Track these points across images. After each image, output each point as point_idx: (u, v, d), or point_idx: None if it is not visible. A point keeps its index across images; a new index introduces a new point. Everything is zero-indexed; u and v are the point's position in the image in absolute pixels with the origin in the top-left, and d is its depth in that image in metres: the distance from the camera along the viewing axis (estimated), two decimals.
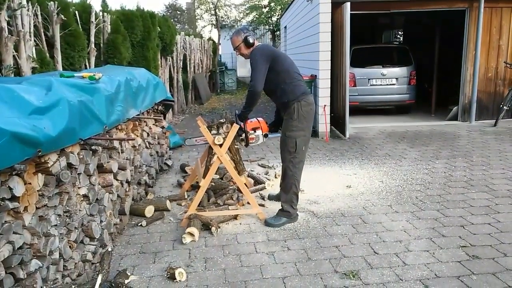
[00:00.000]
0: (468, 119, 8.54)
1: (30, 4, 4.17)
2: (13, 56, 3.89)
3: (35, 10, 4.34)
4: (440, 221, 3.68)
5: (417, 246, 3.21)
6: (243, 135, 3.90)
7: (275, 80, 3.65)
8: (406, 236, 3.40)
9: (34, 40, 4.30)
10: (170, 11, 25.41)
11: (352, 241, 3.34)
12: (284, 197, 3.75)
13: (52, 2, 4.61)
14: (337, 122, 7.79)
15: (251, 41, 3.65)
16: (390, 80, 9.25)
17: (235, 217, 3.86)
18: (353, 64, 8.79)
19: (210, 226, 3.56)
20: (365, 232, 3.50)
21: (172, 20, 18.09)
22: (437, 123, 8.57)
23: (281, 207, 3.77)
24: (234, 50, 3.83)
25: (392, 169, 5.33)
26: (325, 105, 7.29)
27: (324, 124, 7.32)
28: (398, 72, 9.27)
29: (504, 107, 8.08)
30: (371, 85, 9.23)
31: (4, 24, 3.80)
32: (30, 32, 4.14)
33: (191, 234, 3.40)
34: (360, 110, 9.36)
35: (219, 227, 3.62)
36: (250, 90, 3.57)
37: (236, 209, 3.99)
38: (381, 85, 9.25)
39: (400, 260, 3.00)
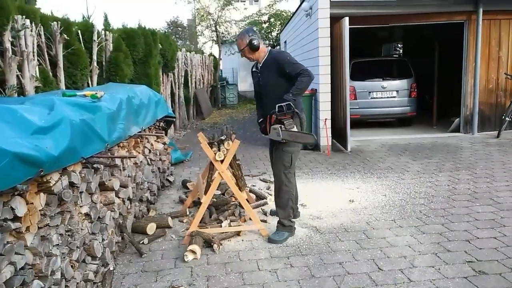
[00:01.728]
0: (470, 130, 8.53)
1: (33, 24, 4.23)
2: (17, 75, 3.93)
3: (38, 30, 4.40)
4: (445, 235, 3.65)
5: (422, 262, 3.17)
6: (293, 124, 3.46)
7: (286, 87, 3.50)
8: (411, 251, 3.37)
9: (38, 60, 4.35)
10: (171, 27, 25.70)
11: (356, 257, 3.31)
12: (282, 213, 3.73)
13: (55, 22, 4.67)
14: (338, 135, 7.79)
15: (255, 44, 3.53)
16: (390, 93, 9.28)
17: (237, 234, 3.84)
18: (353, 77, 8.83)
19: (212, 243, 3.53)
20: (369, 248, 3.47)
21: (173, 37, 18.27)
22: (439, 135, 8.56)
23: (280, 223, 3.74)
24: (239, 51, 3.72)
25: (395, 183, 5.31)
26: (326, 119, 7.31)
27: (325, 138, 7.32)
28: (398, 85, 9.30)
29: (507, 118, 8.07)
30: (371, 98, 9.26)
31: (8, 45, 3.85)
32: (33, 52, 4.19)
33: (193, 252, 3.37)
34: (361, 123, 9.36)
35: (221, 244, 3.59)
36: (307, 76, 3.39)
37: (238, 225, 3.97)
38: (381, 98, 9.27)
39: (405, 276, 2.97)
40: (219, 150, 3.76)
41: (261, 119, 3.94)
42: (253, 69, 3.85)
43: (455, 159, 6.42)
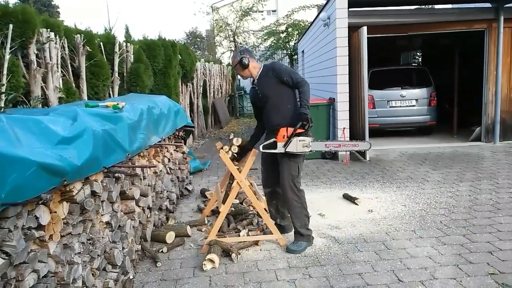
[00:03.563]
0: (492, 139, 8.36)
1: (57, 37, 4.36)
2: (41, 87, 4.05)
3: (62, 43, 4.53)
4: (467, 246, 3.57)
5: (443, 274, 3.11)
6: (306, 140, 3.53)
7: (289, 94, 3.70)
8: (432, 262, 3.31)
9: (61, 71, 4.47)
10: (190, 38, 26.07)
11: (375, 268, 3.27)
12: (298, 222, 3.70)
13: (78, 35, 4.81)
14: None
15: (245, 62, 3.70)
16: (409, 102, 9.19)
17: (255, 243, 3.84)
18: (372, 86, 8.78)
19: (230, 253, 3.54)
20: (389, 259, 3.42)
21: (192, 47, 18.53)
22: (460, 144, 8.41)
23: (298, 233, 3.72)
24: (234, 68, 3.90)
25: (414, 193, 5.23)
26: (344, 128, 7.27)
27: None
28: (417, 94, 9.21)
29: None
30: (390, 107, 9.18)
31: (33, 57, 3.98)
32: (57, 64, 4.32)
33: (212, 261, 3.39)
34: (380, 132, 9.28)
35: (239, 254, 3.60)
36: (307, 84, 3.58)
37: (256, 234, 3.97)
38: (400, 106, 9.19)
39: None
40: (230, 149, 3.90)
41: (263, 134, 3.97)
42: (252, 86, 3.89)
43: (476, 169, 6.29)
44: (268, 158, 3.85)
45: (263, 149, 3.66)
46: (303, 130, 3.47)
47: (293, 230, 3.79)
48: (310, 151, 3.59)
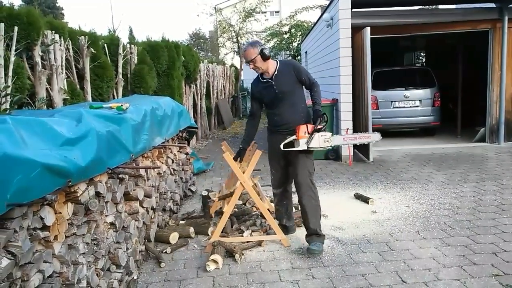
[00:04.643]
0: (496, 140, 8.32)
1: (62, 39, 4.39)
2: (46, 88, 4.08)
3: (66, 45, 4.56)
4: (471, 248, 3.56)
5: (447, 275, 3.11)
6: (327, 135, 3.55)
7: (302, 94, 3.69)
8: (435, 264, 3.30)
9: (66, 73, 4.50)
10: (193, 39, 26.14)
11: (378, 269, 3.26)
12: (315, 221, 3.61)
13: (82, 37, 4.84)
14: (360, 145, 7.72)
15: (267, 53, 3.57)
16: (413, 102, 9.17)
17: (259, 244, 3.84)
18: (375, 87, 8.77)
19: (233, 253, 3.55)
20: (392, 260, 3.42)
21: (195, 48, 18.55)
22: (464, 145, 8.38)
23: (315, 233, 3.59)
24: (247, 63, 3.67)
25: (418, 193, 5.22)
26: (347, 129, 7.26)
27: (347, 148, 7.27)
28: (421, 94, 9.19)
29: None
30: (394, 107, 9.16)
31: (38, 59, 4.01)
32: (62, 66, 4.35)
33: (215, 262, 3.40)
34: (384, 133, 9.24)
35: (243, 254, 3.61)
36: (319, 87, 3.66)
37: (260, 235, 3.98)
38: (404, 107, 9.17)
39: None
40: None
41: (278, 130, 3.74)
42: (263, 81, 3.70)
43: (481, 170, 6.27)
44: (279, 159, 3.79)
45: (284, 148, 3.55)
46: (322, 127, 3.51)
47: (308, 231, 3.64)
48: (331, 146, 3.59)
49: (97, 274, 2.66)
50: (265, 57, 3.56)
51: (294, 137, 3.53)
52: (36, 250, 2.09)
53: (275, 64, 3.66)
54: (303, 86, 3.72)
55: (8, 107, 3.33)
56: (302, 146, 3.50)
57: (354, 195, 5.21)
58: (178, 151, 5.21)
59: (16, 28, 3.66)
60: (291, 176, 3.82)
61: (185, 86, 9.43)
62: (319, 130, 3.51)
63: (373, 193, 5.36)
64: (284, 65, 3.66)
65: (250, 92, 3.85)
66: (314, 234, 3.61)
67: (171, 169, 4.83)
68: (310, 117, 3.66)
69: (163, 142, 4.36)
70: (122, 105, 3.37)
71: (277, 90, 3.61)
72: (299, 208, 3.79)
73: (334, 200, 5.09)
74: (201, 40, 26.99)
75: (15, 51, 3.65)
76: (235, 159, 3.87)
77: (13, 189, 1.84)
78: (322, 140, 3.51)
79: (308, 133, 3.48)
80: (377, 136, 4.04)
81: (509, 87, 8.20)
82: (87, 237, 2.57)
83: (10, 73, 3.54)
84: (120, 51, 5.89)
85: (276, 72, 3.62)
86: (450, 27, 8.10)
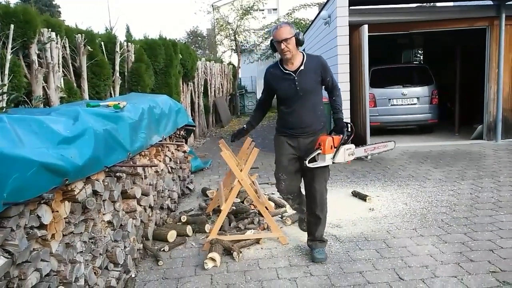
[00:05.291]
0: (493, 137, 8.35)
1: (58, 37, 4.37)
2: (43, 86, 4.07)
3: (63, 43, 4.54)
4: (468, 245, 3.57)
5: (444, 272, 3.12)
6: (352, 147, 3.36)
7: (321, 95, 3.37)
8: (433, 261, 3.31)
9: (62, 71, 4.48)
10: (191, 37, 26.05)
11: (376, 267, 3.27)
12: (322, 230, 3.51)
13: (79, 34, 4.82)
14: (358, 143, 7.72)
15: (302, 39, 3.21)
16: (411, 100, 9.19)
17: (257, 242, 3.85)
18: (373, 84, 8.78)
19: (231, 251, 3.55)
20: (390, 257, 3.43)
21: (193, 46, 18.51)
22: (462, 143, 8.40)
23: (320, 240, 3.50)
24: (280, 41, 3.13)
25: (416, 191, 5.23)
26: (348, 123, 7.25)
27: None
28: (419, 92, 9.20)
29: None
30: (391, 105, 9.17)
31: (35, 57, 3.99)
32: (58, 64, 4.33)
33: (213, 259, 3.40)
34: (382, 130, 9.28)
35: (241, 252, 3.61)
36: (340, 90, 3.39)
37: (258, 233, 3.98)
38: (402, 105, 9.18)
39: (426, 286, 2.92)
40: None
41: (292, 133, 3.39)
42: (284, 71, 3.28)
43: (478, 167, 6.29)
44: (290, 166, 3.43)
45: (309, 163, 3.20)
46: (348, 139, 3.29)
47: (314, 236, 3.50)
48: (355, 158, 3.40)
49: (95, 273, 2.66)
50: (299, 43, 3.19)
51: (318, 151, 3.22)
52: (33, 248, 2.09)
53: (302, 57, 3.26)
54: (323, 87, 3.40)
55: (4, 105, 3.32)
56: (327, 161, 3.23)
57: (352, 192, 5.22)
58: (175, 149, 5.21)
59: (12, 26, 3.64)
60: (305, 183, 3.52)
61: (182, 84, 9.41)
62: (344, 143, 3.30)
63: (371, 190, 5.37)
64: (312, 60, 3.27)
65: (264, 78, 3.46)
66: (319, 241, 3.50)
67: (169, 167, 4.83)
68: (326, 122, 3.47)
69: (161, 141, 4.36)
70: (119, 103, 3.36)
71: (299, 87, 3.22)
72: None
73: (332, 198, 5.08)
74: (199, 38, 26.90)
75: (11, 49, 3.63)
76: (231, 138, 3.66)
77: (9, 188, 1.83)
78: (347, 154, 3.29)
79: (335, 147, 3.24)
80: (392, 144, 3.95)
81: (507, 84, 8.22)
82: (84, 235, 2.57)
83: (7, 71, 3.52)
84: (117, 49, 5.87)
85: (302, 67, 3.22)
86: (447, 25, 8.11)
